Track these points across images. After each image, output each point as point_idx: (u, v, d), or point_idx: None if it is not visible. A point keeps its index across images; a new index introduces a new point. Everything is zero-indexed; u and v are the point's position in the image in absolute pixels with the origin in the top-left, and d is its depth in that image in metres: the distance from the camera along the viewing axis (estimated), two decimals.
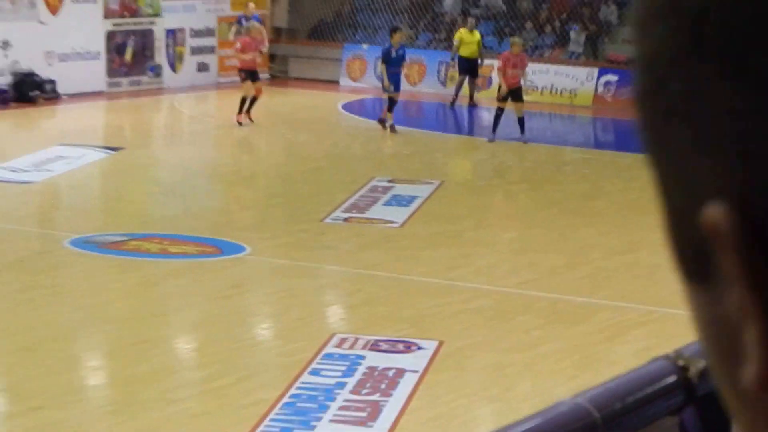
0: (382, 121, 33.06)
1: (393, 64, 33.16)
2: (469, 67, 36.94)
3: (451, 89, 37.77)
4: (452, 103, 37.21)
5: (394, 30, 34.72)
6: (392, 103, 33.05)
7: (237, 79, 39.07)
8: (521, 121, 32.00)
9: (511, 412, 14.73)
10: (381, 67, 34.07)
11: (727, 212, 0.87)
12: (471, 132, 34.73)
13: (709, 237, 0.88)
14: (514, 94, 32.02)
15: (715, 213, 0.88)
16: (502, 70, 32.51)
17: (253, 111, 33.59)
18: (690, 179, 0.92)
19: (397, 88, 33.28)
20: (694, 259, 0.93)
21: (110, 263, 20.31)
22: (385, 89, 33.19)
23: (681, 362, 2.20)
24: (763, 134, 0.87)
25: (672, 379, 2.21)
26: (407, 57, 34.46)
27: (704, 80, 0.88)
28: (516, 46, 33.00)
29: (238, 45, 34.81)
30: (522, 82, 32.17)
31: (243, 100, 33.77)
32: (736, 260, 0.89)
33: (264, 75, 41.54)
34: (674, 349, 2.23)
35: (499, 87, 32.50)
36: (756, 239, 0.88)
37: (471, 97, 37.52)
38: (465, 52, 36.68)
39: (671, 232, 0.95)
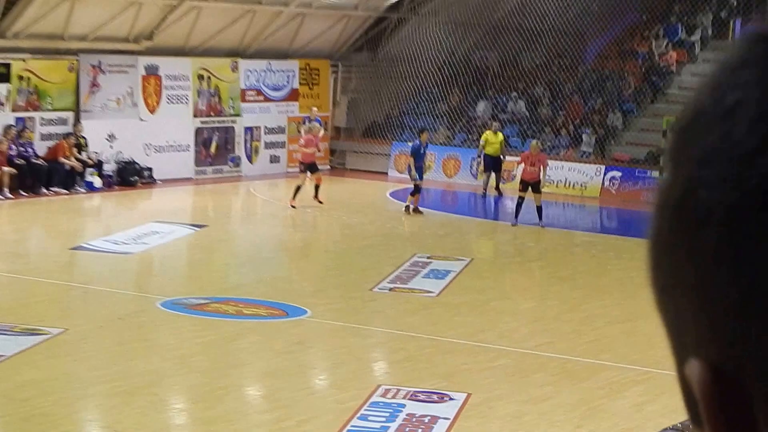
0: (407, 207, 33.38)
1: (419, 158, 33.42)
2: (494, 164, 37.01)
3: (481, 181, 37.77)
4: (483, 194, 37.23)
5: (421, 131, 35.27)
6: (417, 189, 33.34)
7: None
8: (539, 209, 31.95)
9: None
10: (409, 160, 34.28)
11: (702, 370, 0.94)
12: (497, 217, 34.69)
13: (692, 389, 0.95)
14: (534, 186, 32.00)
15: (693, 369, 0.95)
16: (528, 166, 32.64)
17: (315, 196, 33.81)
18: (680, 337, 0.98)
19: (420, 177, 33.53)
20: (689, 403, 0.98)
21: (194, 322, 20.34)
22: (412, 178, 33.36)
23: None
24: (725, 311, 0.91)
25: None
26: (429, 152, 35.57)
27: (682, 266, 0.94)
28: (533, 147, 33.03)
29: (302, 141, 35.09)
30: (541, 176, 32.15)
31: (297, 188, 33.82)
32: (707, 414, 0.94)
33: (325, 166, 41.70)
34: (680, 422, 2.31)
35: (520, 180, 32.59)
36: (724, 398, 0.93)
37: (497, 188, 37.57)
38: (490, 150, 36.69)
39: (678, 377, 1.00)
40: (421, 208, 33.66)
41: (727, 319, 0.92)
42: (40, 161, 34.43)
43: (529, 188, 31.86)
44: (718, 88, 0.90)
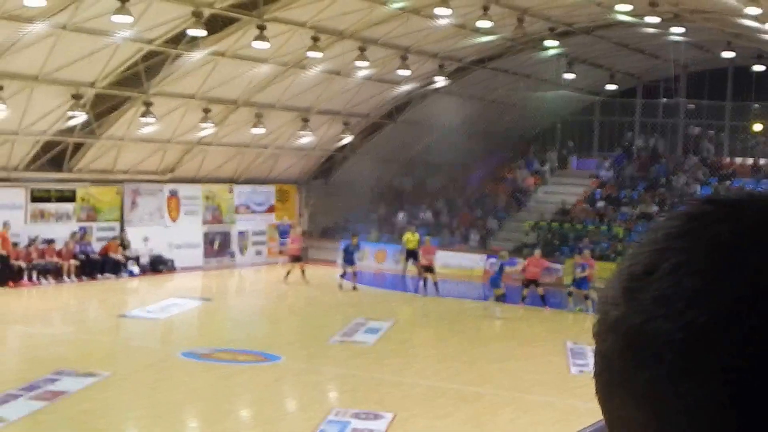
0: (340, 286, 33.59)
1: (348, 253, 33.74)
2: (413, 254, 37.06)
3: (401, 267, 37.71)
4: (403, 275, 37.19)
5: (353, 235, 35.99)
6: (344, 273, 33.97)
7: (280, 260, 39.49)
8: (436, 285, 32.30)
9: None
10: (342, 255, 34.94)
11: None
12: (413, 291, 34.64)
13: None
14: (428, 269, 32.88)
15: None
16: (424, 256, 33.12)
17: (299, 277, 34.10)
18: None
19: (350, 263, 34.25)
20: None
21: (203, 366, 20.30)
22: (343, 266, 34.15)
23: None
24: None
25: None
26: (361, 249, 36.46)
27: (634, 380, 0.85)
28: (427, 242, 34.24)
29: (289, 240, 36.69)
30: (434, 262, 33.24)
31: (287, 272, 34.98)
32: None
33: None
34: (590, 426, 2.31)
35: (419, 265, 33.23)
36: None
37: (416, 271, 37.52)
38: (410, 245, 36.80)
39: None
40: (358, 286, 33.72)
41: None
42: (96, 256, 34.32)
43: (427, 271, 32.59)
44: (663, 251, 0.84)
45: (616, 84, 44.41)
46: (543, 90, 43.20)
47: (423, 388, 18.82)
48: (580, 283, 30.13)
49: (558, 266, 35.30)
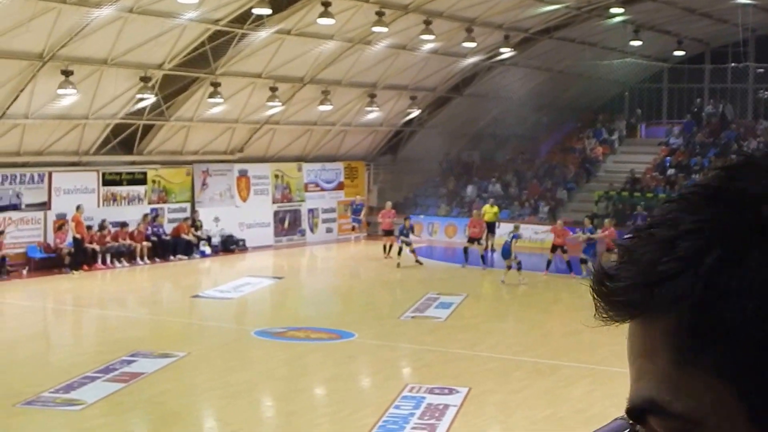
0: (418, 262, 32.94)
1: (404, 235, 33.24)
2: (490, 227, 36.71)
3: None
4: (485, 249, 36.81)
5: (405, 218, 34.93)
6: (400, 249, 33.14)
7: (350, 237, 39.47)
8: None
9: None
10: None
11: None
12: (489, 265, 34.16)
13: None
14: (474, 240, 33.41)
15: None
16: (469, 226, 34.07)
17: (358, 254, 33.81)
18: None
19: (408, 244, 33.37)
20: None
21: (277, 345, 20.24)
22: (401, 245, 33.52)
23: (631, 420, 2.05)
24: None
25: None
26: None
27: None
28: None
29: (380, 216, 36.43)
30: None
31: (385, 247, 34.89)
32: None
33: (363, 234, 41.65)
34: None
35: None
36: None
37: (492, 246, 37.15)
38: (487, 218, 36.49)
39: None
40: (421, 259, 33.49)
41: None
42: (167, 237, 34.41)
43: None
44: None
45: (683, 50, 43.68)
46: (610, 59, 42.63)
47: (497, 362, 18.57)
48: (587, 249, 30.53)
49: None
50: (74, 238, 30.97)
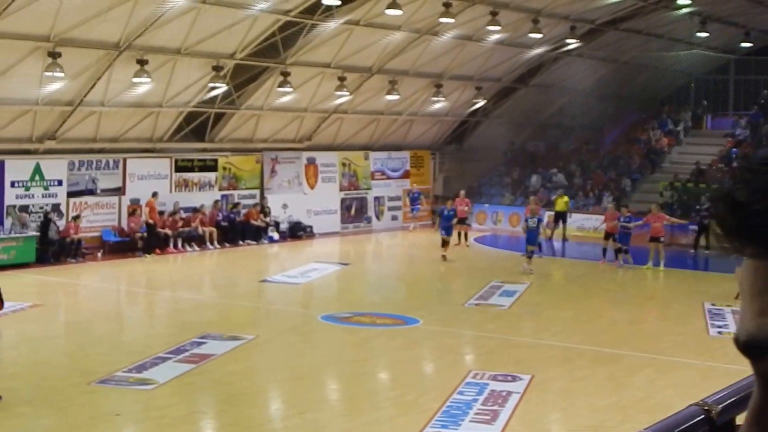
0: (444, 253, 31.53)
1: (446, 219, 32.19)
2: (561, 217, 36.80)
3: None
4: (549, 238, 36.72)
5: (446, 200, 34.06)
6: (444, 242, 31.56)
7: (412, 225, 39.52)
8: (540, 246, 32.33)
9: (571, 420, 14.48)
10: (437, 221, 33.93)
11: None
12: (554, 255, 34.05)
13: None
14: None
15: None
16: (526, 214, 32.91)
17: (423, 242, 33.75)
18: None
19: (448, 233, 31.55)
20: None
21: (343, 330, 20.35)
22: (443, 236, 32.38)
23: (706, 407, 2.09)
24: None
25: (701, 417, 2.08)
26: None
27: None
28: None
29: (455, 203, 34.11)
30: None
31: (459, 234, 34.54)
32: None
33: (428, 222, 41.70)
34: (701, 399, 2.12)
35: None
36: None
37: (564, 234, 37.21)
38: (558, 208, 36.50)
39: None
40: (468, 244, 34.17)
41: None
42: (240, 221, 34.67)
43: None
44: None
45: (751, 42, 43.04)
46: (676, 50, 42.19)
47: (560, 350, 18.52)
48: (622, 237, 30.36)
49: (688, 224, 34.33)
50: (147, 223, 31.41)
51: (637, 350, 18.52)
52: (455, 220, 32.88)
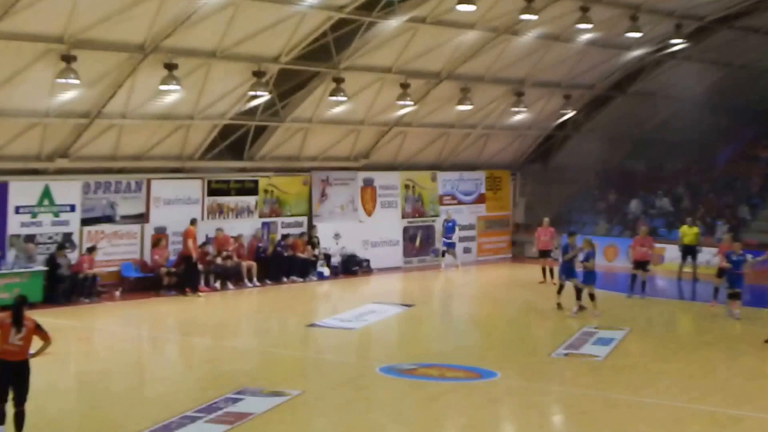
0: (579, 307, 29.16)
1: (446, 230, 32.48)
2: (690, 251, 36.22)
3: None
4: (678, 279, 36.30)
5: (570, 234, 31.10)
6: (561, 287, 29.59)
7: (491, 257, 39.39)
8: (644, 284, 31.94)
9: None
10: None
11: None
12: (683, 298, 33.62)
13: None
14: (641, 265, 32.11)
15: None
16: (632, 247, 33.07)
17: (501, 279, 33.52)
18: None
19: (569, 276, 29.13)
20: None
21: (406, 384, 20.17)
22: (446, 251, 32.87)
23: None
24: None
25: None
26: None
27: None
28: (643, 232, 33.23)
29: (537, 233, 35.91)
30: (649, 256, 32.51)
31: (543, 270, 34.89)
32: None
33: (508, 255, 41.43)
34: None
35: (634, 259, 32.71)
36: None
37: (694, 272, 36.60)
38: (686, 240, 36.05)
39: None
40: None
41: None
42: (283, 255, 34.65)
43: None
44: None
45: None
46: None
47: (667, 411, 18.20)
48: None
49: None
50: (184, 256, 31.28)
51: (762, 411, 18.18)
52: (537, 253, 32.70)
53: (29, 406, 14.69)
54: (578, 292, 28.58)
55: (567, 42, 35.66)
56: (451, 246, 39.02)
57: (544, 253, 34.96)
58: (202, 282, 31.98)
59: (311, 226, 36.21)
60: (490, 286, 35.29)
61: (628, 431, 16.64)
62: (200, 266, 31.88)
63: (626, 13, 33.97)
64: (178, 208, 32.44)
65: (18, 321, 14.59)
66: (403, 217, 39.54)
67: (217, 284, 32.41)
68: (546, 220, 36.27)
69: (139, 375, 21.66)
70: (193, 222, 31.83)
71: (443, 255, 39.16)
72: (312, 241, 35.72)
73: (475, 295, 34.76)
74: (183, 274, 31.28)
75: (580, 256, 28.57)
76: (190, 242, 31.34)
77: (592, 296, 28.53)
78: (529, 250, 41.84)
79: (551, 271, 34.43)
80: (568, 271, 28.99)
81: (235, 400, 18.08)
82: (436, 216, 40.42)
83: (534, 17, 30.82)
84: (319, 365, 22.30)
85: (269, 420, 17.08)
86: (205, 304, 30.50)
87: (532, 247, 39.07)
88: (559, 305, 29.23)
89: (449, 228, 39.10)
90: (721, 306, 29.45)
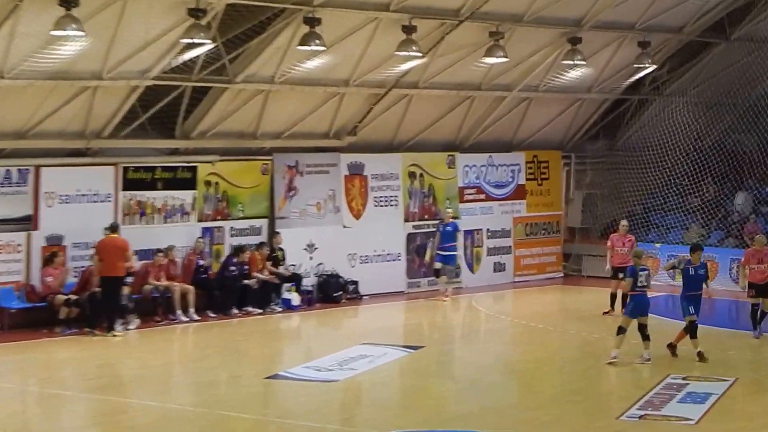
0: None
1: (444, 237, 32.45)
2: None
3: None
4: None
5: (694, 249, 30.23)
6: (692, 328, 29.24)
7: (535, 278, 39.40)
8: (763, 316, 31.46)
9: None
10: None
11: None
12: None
13: None
14: (763, 289, 31.50)
15: None
16: (743, 265, 32.25)
17: (549, 308, 33.50)
18: None
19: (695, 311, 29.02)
20: None
21: None
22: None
23: None
24: None
25: None
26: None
27: None
28: (759, 241, 32.03)
29: (610, 241, 35.99)
30: None
31: (612, 297, 34.97)
32: None
33: (558, 273, 41.36)
34: None
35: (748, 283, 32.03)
36: None
37: None
38: None
39: None
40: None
41: None
42: (232, 275, 34.67)
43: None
44: None
45: None
46: None
47: None
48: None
49: None
50: (107, 278, 31.10)
51: None
52: (610, 271, 32.70)
53: None
54: (693, 331, 28.66)
55: None
56: (449, 261, 38.71)
57: (619, 270, 34.34)
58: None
59: (274, 234, 36.14)
60: (534, 319, 35.19)
61: None
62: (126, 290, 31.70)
63: None
64: (80, 208, 32.37)
65: None
66: (407, 219, 39.60)
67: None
68: (624, 223, 36.19)
69: None
70: (114, 229, 31.49)
71: (438, 275, 39.01)
72: (275, 256, 35.67)
73: (511, 333, 34.69)
74: (94, 303, 31.14)
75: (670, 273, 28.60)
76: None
77: (642, 329, 28.50)
78: (591, 267, 41.83)
79: (624, 298, 34.17)
80: (691, 300, 28.88)
81: None
82: (456, 218, 40.17)
83: None
84: None
85: None
86: (122, 346, 30.42)
87: (598, 262, 38.99)
88: (672, 348, 29.25)
89: (448, 234, 38.52)
90: None
